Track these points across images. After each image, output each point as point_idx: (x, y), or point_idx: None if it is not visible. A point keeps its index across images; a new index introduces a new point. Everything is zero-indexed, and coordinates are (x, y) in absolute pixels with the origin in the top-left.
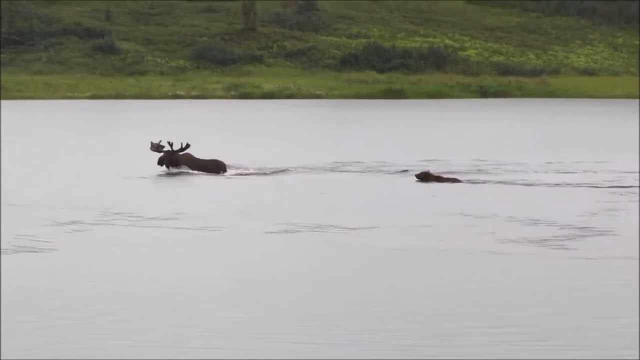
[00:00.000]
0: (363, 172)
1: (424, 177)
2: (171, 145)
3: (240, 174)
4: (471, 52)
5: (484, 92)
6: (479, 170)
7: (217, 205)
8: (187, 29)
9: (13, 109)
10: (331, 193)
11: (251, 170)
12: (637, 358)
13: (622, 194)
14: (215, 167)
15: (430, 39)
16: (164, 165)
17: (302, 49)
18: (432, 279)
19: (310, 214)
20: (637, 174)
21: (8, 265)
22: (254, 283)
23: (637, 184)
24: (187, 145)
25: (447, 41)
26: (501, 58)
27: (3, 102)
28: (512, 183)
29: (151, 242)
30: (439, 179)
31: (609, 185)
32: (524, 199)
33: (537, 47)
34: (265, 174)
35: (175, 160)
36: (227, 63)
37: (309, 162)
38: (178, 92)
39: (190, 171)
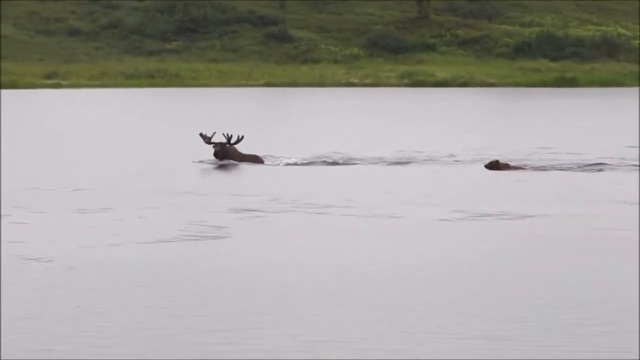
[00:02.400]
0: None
1: (494, 165)
2: (229, 137)
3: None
4: None
5: None
6: None
7: (384, 194)
8: (361, 17)
9: (188, 96)
10: (503, 183)
11: (291, 160)
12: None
13: None
14: (255, 161)
15: (604, 28)
16: (218, 159)
17: (475, 37)
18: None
19: (488, 203)
20: None
21: (189, 251)
22: (444, 269)
23: None
24: (242, 138)
25: (620, 30)
26: None
27: (178, 89)
28: None
29: (332, 229)
30: (507, 167)
31: None
32: None
33: None
34: (310, 163)
35: (225, 153)
36: (400, 51)
37: (480, 151)
38: (351, 80)
39: (236, 163)
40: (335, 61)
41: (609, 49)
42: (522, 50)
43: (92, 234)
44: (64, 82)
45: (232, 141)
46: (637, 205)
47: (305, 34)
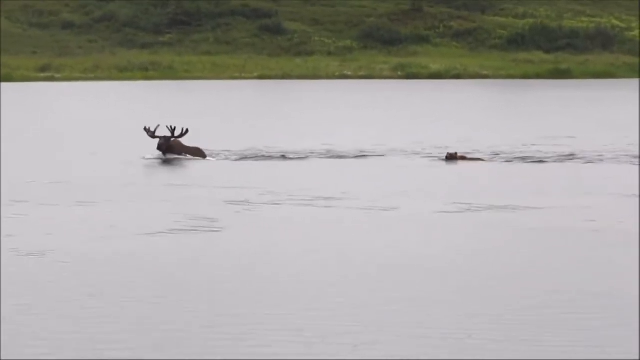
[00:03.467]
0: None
1: (451, 157)
2: (172, 130)
3: (220, 159)
4: (638, 32)
5: None
6: None
7: (379, 187)
8: (354, 10)
9: (182, 89)
10: (500, 176)
11: (230, 155)
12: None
13: None
14: (198, 154)
15: (598, 19)
16: (162, 152)
17: (469, 29)
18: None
19: (483, 196)
20: None
21: (184, 243)
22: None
23: None
24: (186, 131)
25: (614, 21)
26: None
27: (172, 82)
28: None
29: (331, 222)
30: (463, 158)
31: None
32: None
33: None
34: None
35: (170, 147)
36: (394, 43)
37: (481, 144)
38: (345, 72)
39: (181, 157)
40: (329, 53)
41: (603, 40)
42: (516, 42)
43: (87, 227)
44: (58, 75)
45: (177, 134)
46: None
47: (299, 27)
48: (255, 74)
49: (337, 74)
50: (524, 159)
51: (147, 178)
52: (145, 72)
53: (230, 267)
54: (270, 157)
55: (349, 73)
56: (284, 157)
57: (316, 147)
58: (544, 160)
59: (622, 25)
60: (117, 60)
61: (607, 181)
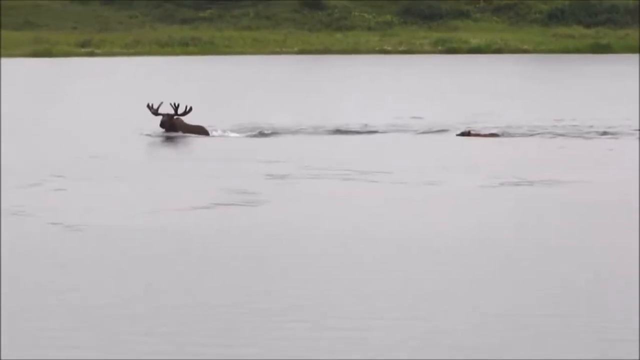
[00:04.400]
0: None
1: (466, 134)
2: (176, 107)
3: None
4: None
5: None
6: None
7: (422, 162)
8: None
9: (223, 63)
10: (539, 151)
11: (231, 135)
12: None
13: None
14: (200, 132)
15: None
16: (165, 129)
17: (509, 3)
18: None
19: (523, 171)
20: None
21: (225, 218)
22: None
23: None
24: (190, 109)
25: None
26: None
27: (213, 57)
28: None
29: (374, 195)
30: (478, 135)
31: None
32: None
33: None
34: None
35: (172, 124)
36: (434, 18)
37: (521, 120)
38: (385, 47)
39: (183, 134)
40: (369, 28)
41: None
42: (556, 16)
43: (127, 202)
44: (98, 51)
45: (180, 112)
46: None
47: (339, 2)
48: (296, 49)
49: (377, 48)
50: (560, 134)
51: (179, 153)
52: (186, 48)
53: (277, 241)
54: (308, 132)
55: (389, 48)
56: (321, 131)
57: (354, 121)
58: (580, 135)
59: None
60: (157, 35)
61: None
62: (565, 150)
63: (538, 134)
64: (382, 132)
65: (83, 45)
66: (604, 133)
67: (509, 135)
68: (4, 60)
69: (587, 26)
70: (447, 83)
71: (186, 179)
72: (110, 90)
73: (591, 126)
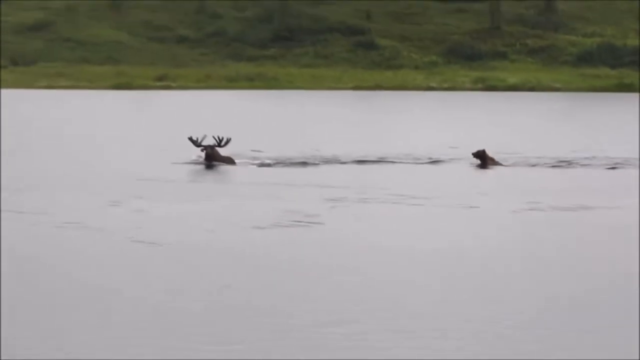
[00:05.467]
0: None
1: (481, 155)
2: (219, 140)
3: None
4: None
5: None
6: None
7: (463, 187)
8: (439, 27)
9: (285, 98)
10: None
11: (252, 165)
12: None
13: None
14: (230, 162)
15: None
16: (207, 159)
17: (543, 46)
18: None
19: (550, 196)
20: None
21: (282, 237)
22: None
23: None
24: (229, 140)
25: None
26: None
27: (276, 92)
28: None
29: (425, 216)
30: (492, 160)
31: None
32: None
33: None
34: (281, 164)
35: (212, 155)
36: (475, 59)
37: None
38: (431, 84)
39: (218, 164)
40: (416, 67)
41: None
42: (585, 58)
43: (200, 221)
44: (173, 84)
45: (222, 144)
46: None
47: (389, 43)
48: (350, 85)
49: (423, 86)
50: (584, 165)
51: (242, 177)
52: (252, 83)
53: (346, 261)
54: (347, 162)
55: (434, 85)
56: (364, 161)
57: (399, 151)
58: (600, 165)
59: None
60: (226, 71)
61: None
62: (588, 179)
63: (567, 162)
64: (422, 161)
65: (160, 79)
66: (619, 163)
67: (531, 164)
68: (89, 92)
69: (613, 67)
70: (484, 117)
71: (242, 201)
72: (180, 119)
73: (612, 157)
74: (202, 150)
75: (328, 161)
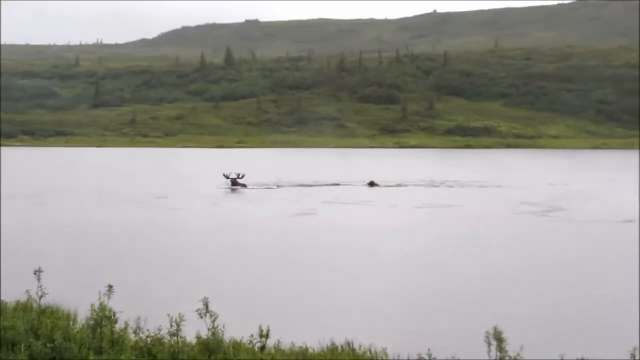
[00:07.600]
0: None
1: (372, 184)
2: (238, 175)
3: (253, 188)
4: None
5: None
6: None
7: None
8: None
9: (296, 152)
10: None
11: (254, 189)
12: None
13: None
14: (245, 186)
15: None
16: (232, 184)
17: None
18: None
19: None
20: None
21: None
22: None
23: None
24: (243, 175)
25: None
26: None
27: (292, 149)
28: None
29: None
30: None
31: None
32: None
33: None
34: (272, 188)
35: (235, 182)
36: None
37: None
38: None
39: (237, 187)
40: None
41: None
42: None
43: (240, 211)
44: (246, 145)
45: (240, 176)
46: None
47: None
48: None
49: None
50: None
51: (253, 193)
52: (281, 145)
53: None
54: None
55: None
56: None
57: (345, 178)
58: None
59: None
60: (273, 138)
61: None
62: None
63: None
64: (358, 184)
65: (239, 142)
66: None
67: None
68: (203, 149)
69: None
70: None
71: (258, 204)
72: (236, 164)
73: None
74: (228, 179)
75: (314, 184)
